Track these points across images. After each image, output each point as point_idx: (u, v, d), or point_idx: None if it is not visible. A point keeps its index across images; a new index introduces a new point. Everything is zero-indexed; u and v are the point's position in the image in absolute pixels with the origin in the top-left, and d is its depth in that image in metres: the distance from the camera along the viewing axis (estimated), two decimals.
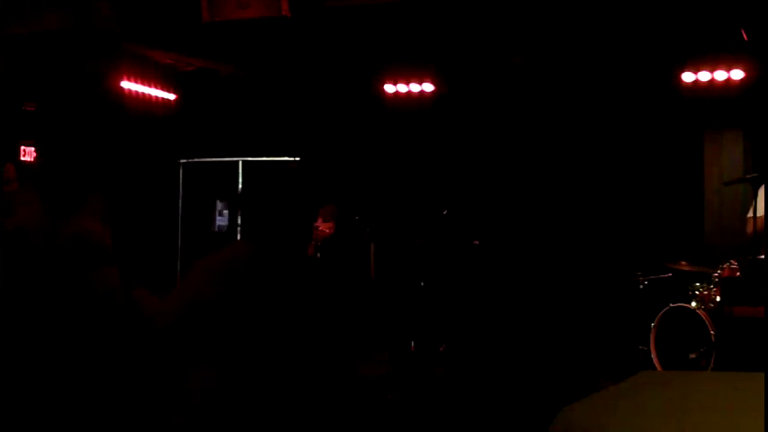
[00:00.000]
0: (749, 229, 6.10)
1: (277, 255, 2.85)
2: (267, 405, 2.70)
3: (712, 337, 6.32)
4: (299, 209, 2.90)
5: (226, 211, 10.10)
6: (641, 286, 7.42)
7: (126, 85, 8.75)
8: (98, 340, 3.08)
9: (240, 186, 9.60)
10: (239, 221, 9.60)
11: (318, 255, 7.42)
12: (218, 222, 10.15)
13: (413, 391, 6.62)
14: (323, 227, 7.42)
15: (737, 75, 7.80)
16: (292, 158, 9.49)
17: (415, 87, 8.91)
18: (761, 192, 5.91)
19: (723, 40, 7.51)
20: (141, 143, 9.48)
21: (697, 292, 6.75)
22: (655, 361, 6.73)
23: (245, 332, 2.72)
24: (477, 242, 8.42)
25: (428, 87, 8.89)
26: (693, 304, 6.63)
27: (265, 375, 2.72)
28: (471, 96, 9.10)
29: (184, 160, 9.83)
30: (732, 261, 6.56)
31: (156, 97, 9.25)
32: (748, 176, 6.24)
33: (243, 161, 9.60)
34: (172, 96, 9.45)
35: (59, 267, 3.09)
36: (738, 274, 6.42)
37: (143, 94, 9.03)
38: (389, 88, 8.95)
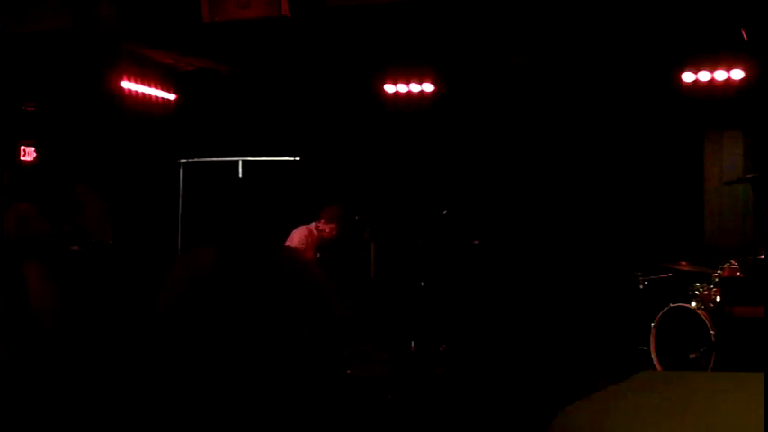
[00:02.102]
0: None
1: (238, 256, 2.84)
2: (245, 405, 2.71)
3: (712, 337, 6.32)
4: (258, 210, 2.88)
5: None
6: (641, 286, 7.42)
7: (126, 85, 8.75)
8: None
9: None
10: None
11: (318, 255, 7.42)
12: None
13: (413, 391, 6.62)
14: (324, 227, 7.42)
15: (737, 75, 7.80)
16: (292, 158, 9.49)
17: (415, 87, 8.91)
18: None
19: (723, 40, 7.51)
20: (141, 143, 9.48)
21: (697, 292, 6.74)
22: (655, 361, 6.73)
23: (215, 335, 2.73)
24: (477, 242, 8.42)
25: (428, 87, 8.89)
26: (693, 304, 6.63)
27: (242, 375, 2.73)
28: (471, 96, 9.10)
29: (184, 160, 9.82)
30: (732, 261, 6.56)
31: (156, 97, 9.25)
32: (748, 176, 6.25)
33: (243, 161, 9.59)
34: (172, 96, 9.45)
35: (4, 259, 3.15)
36: (738, 274, 6.43)
37: (143, 94, 9.02)
38: (389, 88, 8.95)
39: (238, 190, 2.91)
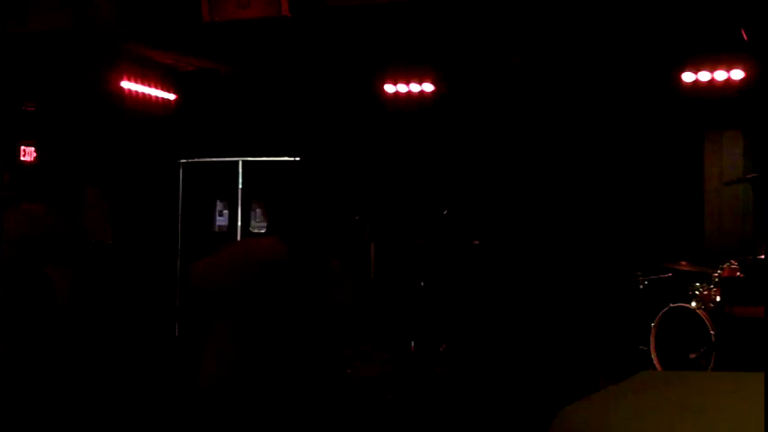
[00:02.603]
0: None
1: (308, 255, 2.89)
2: (274, 390, 2.74)
3: (712, 337, 6.32)
4: (330, 211, 2.98)
5: (226, 211, 10.10)
6: (641, 286, 7.42)
7: (126, 85, 8.75)
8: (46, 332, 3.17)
9: (240, 186, 9.60)
10: (239, 221, 9.61)
11: None
12: (218, 222, 10.16)
13: (413, 391, 6.62)
14: None
15: (737, 75, 7.80)
16: (292, 158, 9.49)
17: (415, 87, 8.91)
18: None
19: (723, 40, 7.51)
20: (141, 143, 9.48)
21: (697, 292, 6.75)
22: (655, 361, 6.73)
23: (267, 318, 2.78)
24: (477, 242, 8.41)
25: (428, 87, 8.89)
26: (693, 304, 6.63)
27: (278, 362, 2.77)
28: (471, 96, 9.10)
29: (184, 160, 9.82)
30: (732, 261, 6.56)
31: (156, 97, 9.26)
32: (748, 176, 6.26)
33: (243, 161, 9.59)
34: (172, 96, 9.46)
35: (20, 261, 3.18)
36: (738, 274, 6.43)
37: (143, 94, 9.03)
38: (389, 88, 8.95)
39: (314, 190, 2.99)
